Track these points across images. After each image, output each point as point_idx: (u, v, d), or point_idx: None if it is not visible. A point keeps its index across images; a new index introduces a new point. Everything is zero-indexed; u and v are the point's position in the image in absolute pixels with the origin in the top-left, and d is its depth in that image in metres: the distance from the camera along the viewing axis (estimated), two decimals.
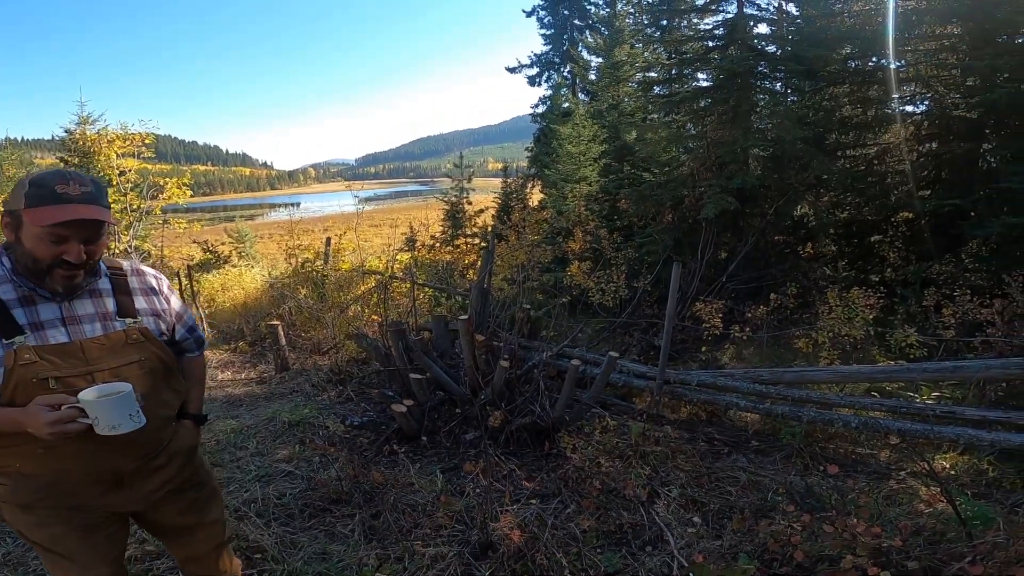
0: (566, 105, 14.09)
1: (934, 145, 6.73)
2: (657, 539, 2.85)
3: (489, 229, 13.91)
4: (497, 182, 17.60)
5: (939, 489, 3.22)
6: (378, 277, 8.64)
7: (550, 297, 6.39)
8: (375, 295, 8.17)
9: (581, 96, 15.84)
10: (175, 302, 1.75)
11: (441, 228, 16.08)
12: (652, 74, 11.15)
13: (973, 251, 5.67)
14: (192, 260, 12.33)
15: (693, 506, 3.22)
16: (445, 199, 16.52)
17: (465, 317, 4.39)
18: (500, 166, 17.92)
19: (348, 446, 4.04)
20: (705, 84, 8.18)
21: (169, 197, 11.26)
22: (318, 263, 9.78)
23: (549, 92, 16.99)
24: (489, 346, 4.37)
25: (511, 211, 10.16)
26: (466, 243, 12.32)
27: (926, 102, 6.88)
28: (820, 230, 6.70)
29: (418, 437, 4.17)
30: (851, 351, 4.76)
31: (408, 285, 8.31)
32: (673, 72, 8.63)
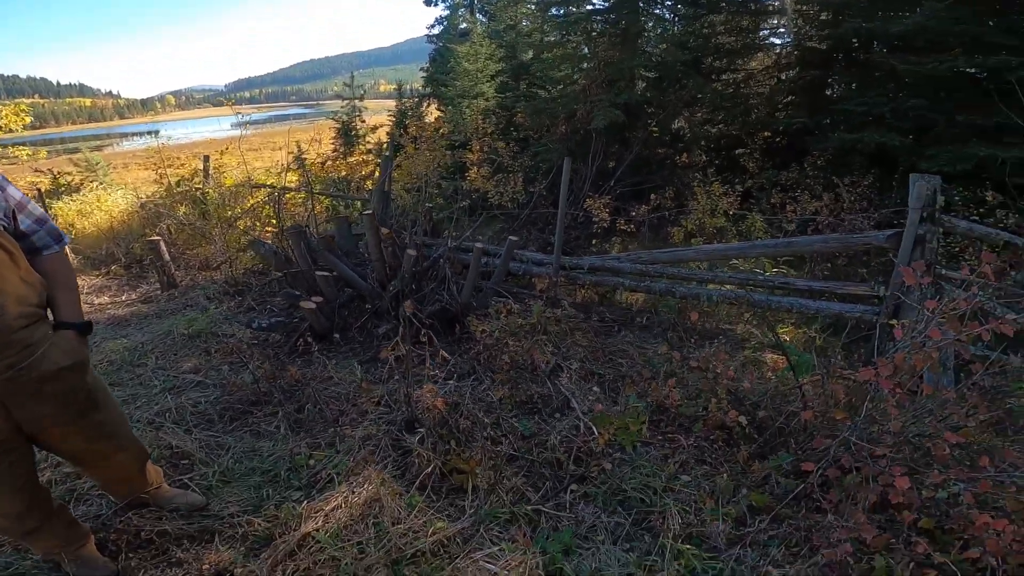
0: (463, 25, 13.49)
1: (792, 72, 7.43)
2: (564, 406, 3.12)
3: (384, 144, 13.41)
4: (390, 103, 16.67)
5: (780, 355, 3.83)
6: (268, 190, 8.08)
7: (450, 203, 6.42)
8: (267, 208, 7.68)
9: (479, 16, 15.19)
10: (12, 190, 1.56)
11: (333, 146, 15.19)
12: None
13: (813, 162, 6.47)
14: (42, 187, 10.71)
15: (592, 377, 3.54)
16: (336, 118, 15.57)
17: (370, 212, 4.31)
18: (392, 88, 17.02)
19: (259, 349, 3.90)
20: (599, 7, 8.22)
21: (6, 125, 9.60)
22: (196, 181, 8.94)
23: (446, 12, 16.10)
24: (395, 240, 4.34)
25: (407, 128, 9.81)
26: (360, 159, 11.78)
27: (789, 35, 7.50)
28: (694, 142, 7.27)
29: (330, 335, 4.10)
30: (714, 241, 5.37)
31: (303, 196, 7.88)
32: None
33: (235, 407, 3.05)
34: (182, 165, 9.82)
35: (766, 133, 7.09)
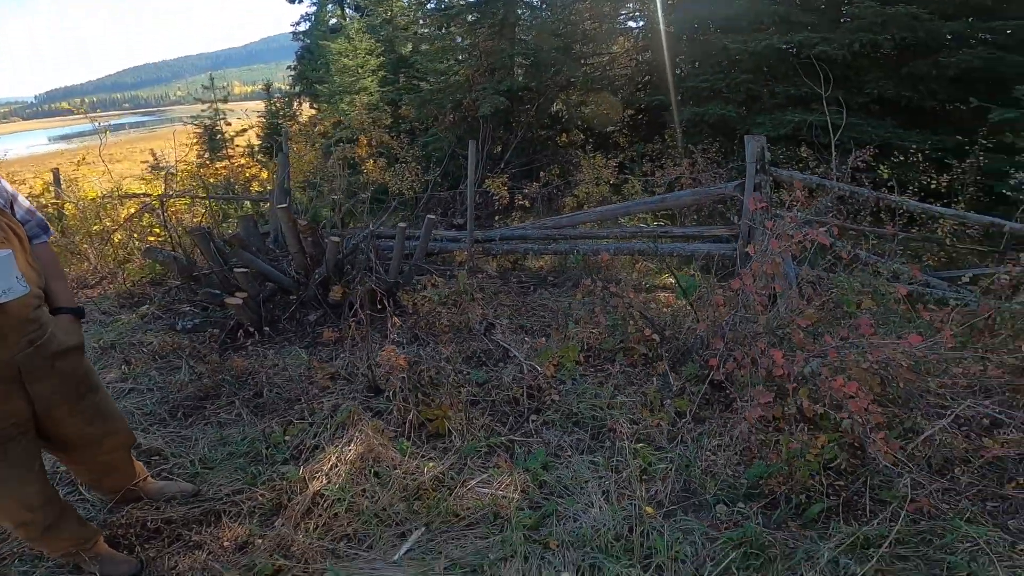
0: (333, 21, 13.00)
1: (647, 54, 8.21)
2: (504, 356, 3.40)
3: (255, 146, 12.63)
4: (249, 105, 15.58)
5: (671, 293, 4.41)
6: (141, 200, 7.29)
7: (347, 197, 6.32)
8: (145, 217, 6.95)
9: (350, 11, 14.60)
10: (5, 183, 1.64)
11: (196, 152, 13.90)
12: None
13: (671, 134, 7.28)
14: None
15: (521, 330, 3.84)
16: (197, 123, 14.25)
17: (284, 206, 4.18)
18: (249, 89, 15.93)
19: (189, 349, 3.67)
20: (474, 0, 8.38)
21: None
22: (47, 196, 7.79)
23: (313, 8, 15.28)
24: (315, 231, 4.26)
25: (292, 127, 9.34)
26: (242, 162, 10.98)
27: (643, 19, 8.24)
28: (571, 123, 7.81)
29: (260, 328, 3.97)
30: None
31: (184, 202, 7.26)
32: None
33: (185, 404, 2.91)
34: (22, 182, 8.48)
35: (630, 111, 7.80)
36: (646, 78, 8.09)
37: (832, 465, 2.29)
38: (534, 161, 7.40)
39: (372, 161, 6.88)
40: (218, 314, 4.15)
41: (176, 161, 9.09)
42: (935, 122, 6.08)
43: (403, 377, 2.68)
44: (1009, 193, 5.19)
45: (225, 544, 1.92)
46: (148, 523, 1.98)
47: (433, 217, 4.30)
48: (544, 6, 7.92)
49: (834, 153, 5.50)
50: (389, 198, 6.16)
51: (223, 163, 11.76)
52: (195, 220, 6.83)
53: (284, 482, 2.17)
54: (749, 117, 6.47)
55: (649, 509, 2.17)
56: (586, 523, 2.08)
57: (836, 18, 6.28)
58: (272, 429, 2.61)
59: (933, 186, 5.44)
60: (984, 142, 5.31)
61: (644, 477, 2.36)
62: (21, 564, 1.87)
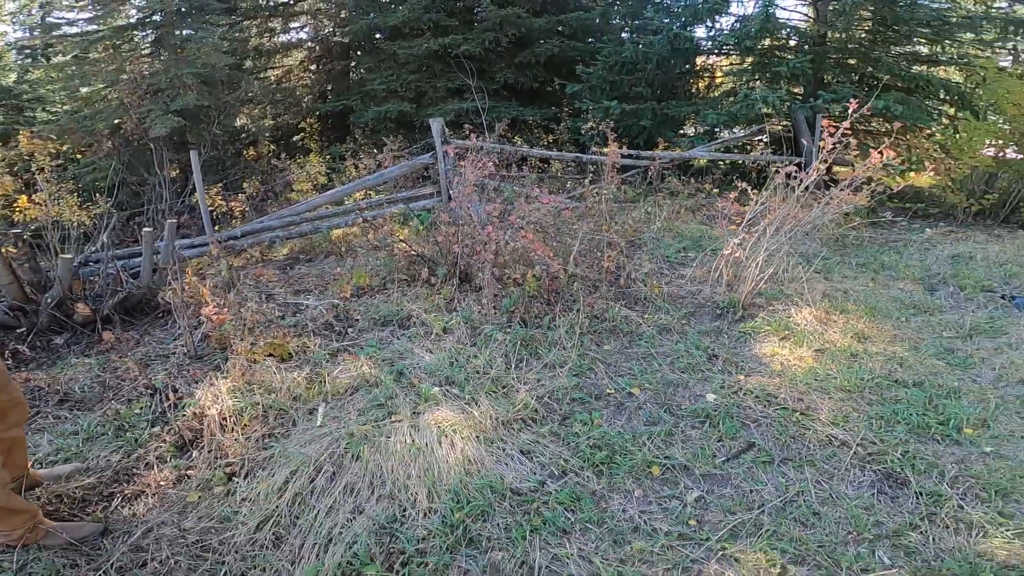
0: None
1: (322, 64, 8.95)
2: (298, 309, 3.96)
3: None
4: None
5: (408, 244, 5.51)
6: None
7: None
8: None
9: None
10: None
11: None
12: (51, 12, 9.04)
13: (362, 132, 8.32)
14: None
15: (299, 293, 4.42)
16: None
17: None
18: None
19: None
20: (131, 21, 7.61)
21: None
22: None
23: None
24: (28, 255, 3.79)
25: None
26: None
27: (310, 31, 8.90)
28: (258, 135, 8.02)
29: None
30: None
31: None
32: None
33: None
34: None
35: (311, 119, 8.46)
36: (327, 86, 8.88)
37: (545, 297, 3.75)
38: (227, 177, 7.39)
39: (25, 197, 5.84)
40: None
41: None
42: (540, 99, 8.74)
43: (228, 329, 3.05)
44: (586, 142, 8.08)
45: (162, 484, 2.12)
46: (71, 494, 2.02)
47: (174, 221, 4.32)
48: (195, 23, 7.81)
49: (486, 129, 7.48)
50: (61, 230, 5.42)
51: None
52: None
53: (179, 423, 2.41)
54: (421, 110, 8.03)
55: (460, 345, 3.23)
56: (429, 364, 3.01)
57: (471, 20, 8.27)
58: (116, 408, 2.65)
59: (546, 144, 7.97)
60: (567, 110, 8.08)
61: (446, 332, 3.41)
62: None
